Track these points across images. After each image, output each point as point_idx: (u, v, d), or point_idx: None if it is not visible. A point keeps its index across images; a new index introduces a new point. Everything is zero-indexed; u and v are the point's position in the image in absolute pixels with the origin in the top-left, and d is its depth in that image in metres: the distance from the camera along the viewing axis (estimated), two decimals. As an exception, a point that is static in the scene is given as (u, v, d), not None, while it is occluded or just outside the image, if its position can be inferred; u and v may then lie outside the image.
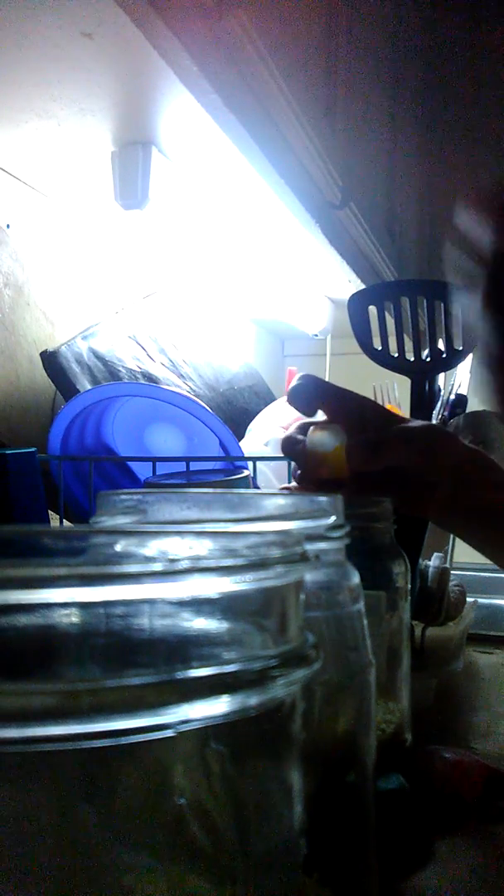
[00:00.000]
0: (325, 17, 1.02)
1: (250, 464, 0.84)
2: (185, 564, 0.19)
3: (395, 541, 0.55)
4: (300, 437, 0.57)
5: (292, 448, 0.58)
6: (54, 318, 1.02)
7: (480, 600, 1.09)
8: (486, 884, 0.42)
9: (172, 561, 0.19)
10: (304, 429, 0.58)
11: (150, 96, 0.76)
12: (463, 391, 0.87)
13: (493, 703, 0.75)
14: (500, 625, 1.09)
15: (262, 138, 0.83)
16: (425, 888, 0.41)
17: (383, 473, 0.56)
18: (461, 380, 0.87)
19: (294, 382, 0.59)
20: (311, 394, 0.59)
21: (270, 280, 1.32)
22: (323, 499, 0.37)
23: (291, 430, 0.59)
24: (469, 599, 0.97)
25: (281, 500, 0.38)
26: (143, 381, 0.97)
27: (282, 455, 0.61)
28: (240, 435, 1.03)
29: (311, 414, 0.59)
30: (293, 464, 0.60)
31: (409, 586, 0.56)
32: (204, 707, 0.18)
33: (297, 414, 0.61)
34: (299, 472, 0.58)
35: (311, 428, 0.56)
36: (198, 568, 0.19)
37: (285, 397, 0.61)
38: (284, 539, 0.23)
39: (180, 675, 0.18)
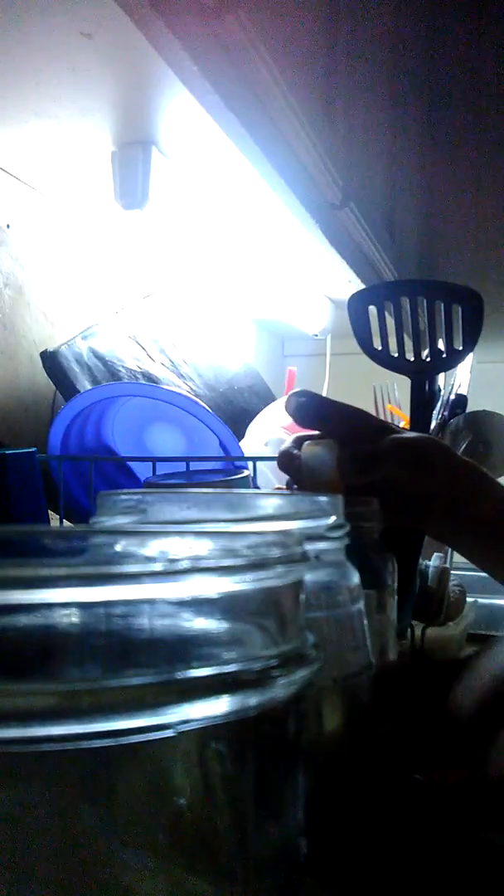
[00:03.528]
0: (325, 17, 1.02)
1: (250, 464, 0.84)
2: (185, 564, 0.19)
3: (382, 539, 0.55)
4: (296, 452, 0.57)
5: (289, 464, 0.58)
6: (54, 318, 1.02)
7: (480, 600, 1.09)
8: (486, 884, 0.42)
9: (172, 561, 0.19)
10: (299, 444, 0.57)
11: (150, 96, 0.76)
12: (463, 391, 0.87)
13: (493, 703, 0.75)
14: (500, 625, 1.09)
15: (262, 138, 0.83)
16: (424, 888, 0.41)
17: (378, 486, 0.56)
18: (461, 380, 0.87)
19: (294, 400, 0.59)
20: (314, 411, 0.59)
21: (270, 280, 1.32)
22: (323, 499, 0.37)
23: (286, 445, 0.59)
24: (469, 599, 0.97)
25: (281, 500, 0.38)
26: (143, 381, 0.97)
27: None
28: (240, 435, 1.03)
29: (314, 429, 0.59)
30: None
31: (395, 585, 0.56)
32: (204, 707, 0.18)
33: None
34: (295, 486, 0.58)
35: (306, 444, 0.56)
36: (198, 568, 0.19)
37: (285, 398, 0.61)
38: (284, 539, 0.23)
39: (180, 675, 0.18)
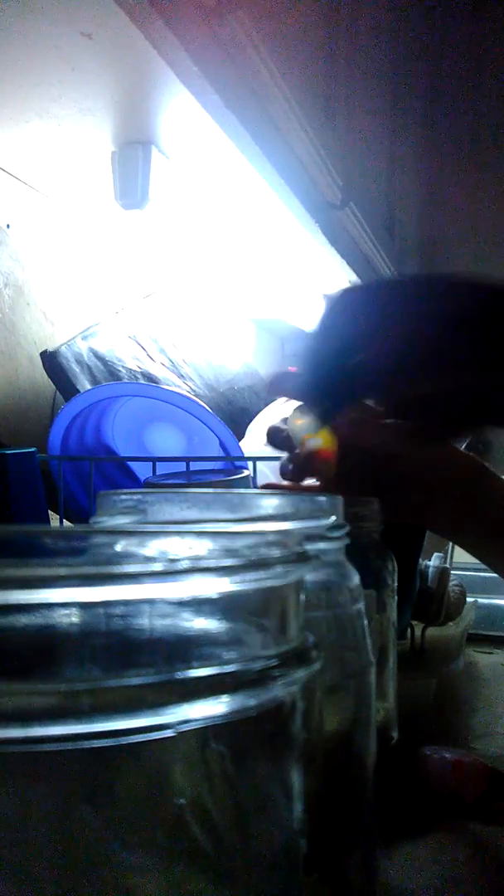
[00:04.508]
0: (325, 18, 1.02)
1: (250, 464, 0.84)
2: (185, 564, 0.19)
3: (382, 539, 0.55)
4: (283, 426, 0.56)
5: (277, 437, 0.56)
6: (54, 318, 1.02)
7: (480, 600, 1.09)
8: (486, 883, 0.42)
9: (172, 561, 0.19)
10: (285, 420, 0.56)
11: (150, 96, 0.76)
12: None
13: (493, 703, 0.75)
14: (500, 625, 1.09)
15: (262, 138, 0.83)
16: (424, 888, 0.41)
17: (377, 478, 0.55)
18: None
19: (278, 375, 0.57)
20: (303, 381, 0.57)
21: (270, 280, 1.32)
22: (323, 499, 0.37)
23: (274, 422, 0.58)
24: (469, 599, 0.97)
25: (281, 500, 0.38)
26: (143, 381, 0.97)
27: (281, 454, 0.60)
28: (240, 435, 1.03)
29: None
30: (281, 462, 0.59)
31: (395, 585, 0.56)
32: (204, 707, 0.18)
33: None
34: (290, 466, 0.56)
35: (292, 411, 0.55)
36: (198, 568, 0.19)
37: (284, 399, 0.61)
38: (284, 539, 0.23)
39: (180, 675, 0.18)
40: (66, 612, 0.18)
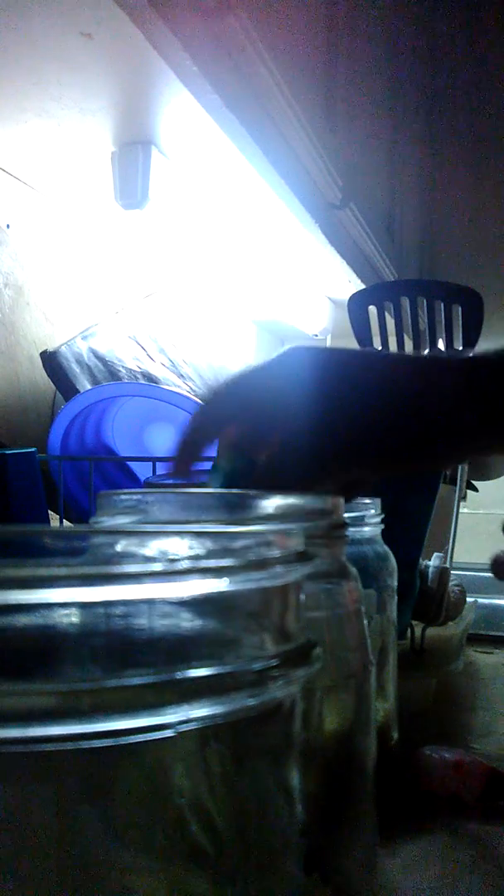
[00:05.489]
0: (325, 18, 1.02)
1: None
2: (185, 564, 0.19)
3: (382, 540, 0.55)
4: None
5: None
6: (54, 318, 1.02)
7: (480, 600, 1.09)
8: (485, 882, 0.42)
9: (172, 561, 0.19)
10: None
11: (150, 96, 0.76)
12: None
13: (492, 703, 0.75)
14: (500, 625, 1.09)
15: (262, 138, 0.83)
16: (424, 887, 0.41)
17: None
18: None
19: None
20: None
21: (271, 280, 1.32)
22: (323, 499, 0.37)
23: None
24: (469, 599, 0.97)
25: (281, 500, 0.38)
26: (143, 381, 0.97)
27: None
28: (240, 435, 1.03)
29: None
30: None
31: (395, 585, 0.56)
32: (204, 707, 0.18)
33: None
34: None
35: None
36: (198, 568, 0.19)
37: None
38: (284, 539, 0.23)
39: (180, 675, 0.18)
40: (66, 612, 0.18)
